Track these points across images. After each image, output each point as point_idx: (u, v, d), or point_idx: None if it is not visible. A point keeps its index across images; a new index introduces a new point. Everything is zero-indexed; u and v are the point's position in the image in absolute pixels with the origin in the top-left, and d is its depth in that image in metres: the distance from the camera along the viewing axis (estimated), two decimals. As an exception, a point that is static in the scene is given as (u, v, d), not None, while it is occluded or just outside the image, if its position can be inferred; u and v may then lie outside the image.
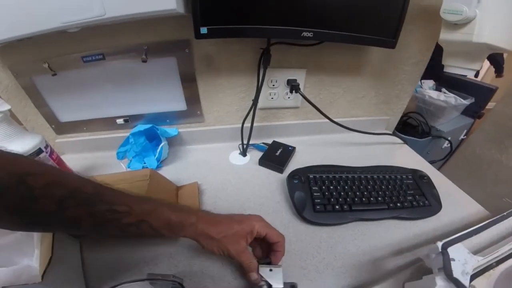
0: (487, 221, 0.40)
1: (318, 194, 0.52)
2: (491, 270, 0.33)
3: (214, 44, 0.56)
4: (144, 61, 0.54)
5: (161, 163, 0.63)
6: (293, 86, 0.64)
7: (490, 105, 1.30)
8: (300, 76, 0.65)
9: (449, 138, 1.17)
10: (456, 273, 0.30)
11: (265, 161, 0.64)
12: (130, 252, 0.44)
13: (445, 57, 0.56)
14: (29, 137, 0.49)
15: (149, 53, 0.54)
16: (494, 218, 0.41)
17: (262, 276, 0.37)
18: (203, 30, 0.44)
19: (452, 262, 0.31)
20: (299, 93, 0.63)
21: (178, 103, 0.65)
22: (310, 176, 0.55)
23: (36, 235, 0.33)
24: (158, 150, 0.60)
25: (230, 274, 0.41)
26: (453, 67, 0.55)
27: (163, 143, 0.61)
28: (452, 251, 0.32)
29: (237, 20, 0.46)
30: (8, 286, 0.28)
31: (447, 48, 0.55)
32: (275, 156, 0.66)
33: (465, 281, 0.30)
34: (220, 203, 0.54)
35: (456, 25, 0.47)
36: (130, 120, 0.66)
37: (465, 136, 1.38)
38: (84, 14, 0.40)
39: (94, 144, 0.69)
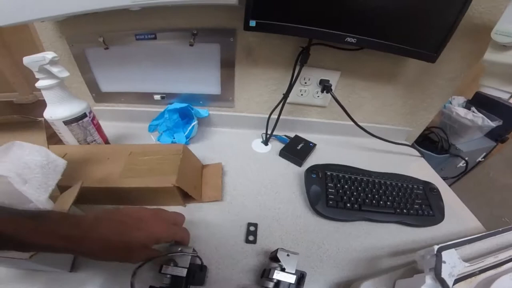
0: (481, 234, 0.43)
1: (333, 190, 0.56)
2: (473, 277, 0.37)
3: (257, 37, 0.59)
4: (191, 44, 0.59)
5: (189, 140, 0.68)
6: (325, 86, 0.65)
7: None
8: (333, 78, 0.67)
9: (466, 158, 1.16)
10: (444, 274, 0.33)
11: (285, 153, 0.68)
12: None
13: (484, 77, 0.57)
14: (77, 103, 0.54)
15: (197, 37, 0.58)
16: (489, 232, 0.44)
17: (279, 260, 0.39)
18: (252, 23, 0.47)
19: (443, 264, 0.34)
20: (331, 94, 0.65)
21: (213, 87, 0.69)
22: (328, 173, 0.59)
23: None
24: (190, 128, 0.65)
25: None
26: (490, 87, 0.56)
27: (195, 122, 0.66)
28: (445, 254, 0.35)
29: (285, 18, 0.48)
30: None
31: (489, 69, 0.55)
32: (295, 150, 0.69)
33: (450, 282, 0.33)
34: (239, 186, 0.58)
35: (504, 47, 0.49)
36: (166, 97, 0.71)
37: (483, 159, 1.36)
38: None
39: (128, 115, 0.74)
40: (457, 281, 0.35)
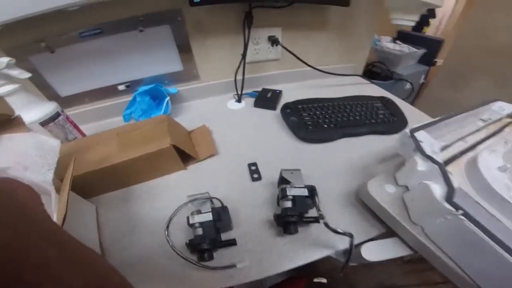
0: (444, 116, 0.45)
1: (308, 118, 0.64)
2: (458, 160, 0.38)
3: (203, 10, 0.64)
4: (142, 31, 0.61)
5: (167, 117, 0.70)
6: (274, 41, 0.75)
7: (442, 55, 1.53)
8: (277, 33, 0.75)
9: (410, 81, 1.37)
10: (428, 152, 0.35)
11: (259, 102, 0.75)
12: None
13: (391, 12, 0.68)
14: (46, 103, 0.53)
15: (145, 23, 0.60)
16: (451, 113, 0.46)
17: (286, 180, 0.42)
18: (197, -1, 0.52)
19: (421, 144, 0.36)
20: (280, 45, 0.74)
21: (174, 65, 0.72)
22: (299, 106, 0.66)
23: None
24: (164, 105, 0.67)
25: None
26: (397, 19, 0.67)
27: (167, 98, 0.68)
28: (418, 135, 0.37)
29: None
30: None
31: (392, 5, 0.67)
32: (266, 98, 0.76)
33: (437, 157, 0.34)
34: (228, 138, 0.63)
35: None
36: (131, 85, 0.71)
37: (424, 80, 1.60)
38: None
39: (98, 113, 0.72)
40: (447, 163, 0.35)
